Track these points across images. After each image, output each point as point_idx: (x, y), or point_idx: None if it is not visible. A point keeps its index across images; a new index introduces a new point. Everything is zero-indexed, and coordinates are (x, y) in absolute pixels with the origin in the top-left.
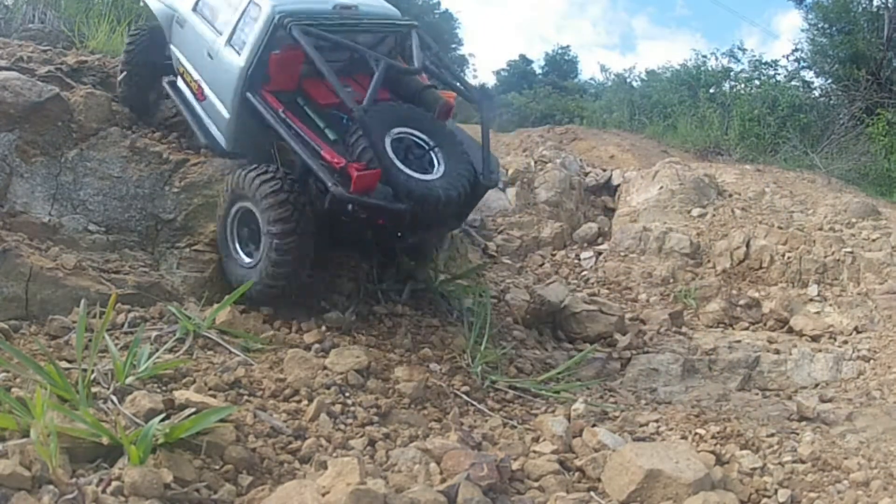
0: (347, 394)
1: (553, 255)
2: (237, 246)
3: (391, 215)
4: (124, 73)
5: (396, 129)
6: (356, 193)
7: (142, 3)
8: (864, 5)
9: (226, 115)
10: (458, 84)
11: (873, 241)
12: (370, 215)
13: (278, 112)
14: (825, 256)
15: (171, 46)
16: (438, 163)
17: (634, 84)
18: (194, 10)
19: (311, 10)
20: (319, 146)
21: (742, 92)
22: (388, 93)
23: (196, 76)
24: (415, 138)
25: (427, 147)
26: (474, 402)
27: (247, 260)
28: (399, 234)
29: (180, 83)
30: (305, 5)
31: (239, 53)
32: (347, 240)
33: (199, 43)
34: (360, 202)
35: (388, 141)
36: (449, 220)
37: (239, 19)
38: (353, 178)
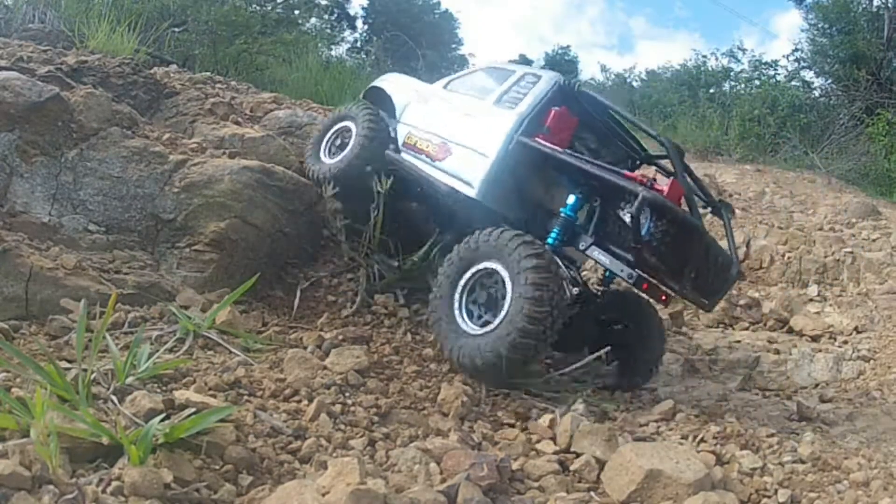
0: (347, 394)
1: None
2: (463, 313)
3: (690, 231)
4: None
5: None
6: (669, 199)
7: (362, 94)
8: (864, 5)
9: (485, 161)
10: (701, 192)
11: (873, 241)
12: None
13: (564, 150)
14: (825, 256)
15: (400, 125)
16: None
17: (634, 84)
18: (446, 87)
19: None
20: (619, 173)
21: (742, 92)
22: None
23: (437, 141)
24: None
25: None
26: (474, 402)
27: (475, 328)
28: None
29: (405, 156)
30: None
31: (512, 107)
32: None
33: (449, 110)
34: (671, 209)
35: None
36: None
37: (511, 86)
38: (663, 189)
